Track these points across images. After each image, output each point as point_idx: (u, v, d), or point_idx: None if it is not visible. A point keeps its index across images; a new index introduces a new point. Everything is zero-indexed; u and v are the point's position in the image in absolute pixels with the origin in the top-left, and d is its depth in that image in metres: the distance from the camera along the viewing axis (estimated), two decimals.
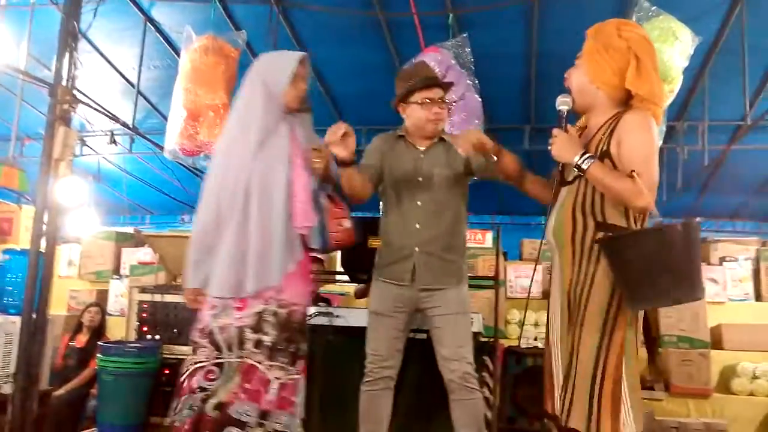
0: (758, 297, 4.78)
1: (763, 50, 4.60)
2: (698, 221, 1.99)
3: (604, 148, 1.96)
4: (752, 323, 4.50)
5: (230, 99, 3.70)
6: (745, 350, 4.40)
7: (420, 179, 2.61)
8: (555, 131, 2.01)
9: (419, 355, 2.93)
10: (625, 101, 2.02)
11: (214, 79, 3.25)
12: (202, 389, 2.22)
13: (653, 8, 3.26)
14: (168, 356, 3.64)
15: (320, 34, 5.02)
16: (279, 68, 2.37)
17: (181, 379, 2.27)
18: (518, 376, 4.19)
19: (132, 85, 5.71)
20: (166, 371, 3.59)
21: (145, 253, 5.07)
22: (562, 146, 1.97)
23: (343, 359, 3.21)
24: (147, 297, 3.81)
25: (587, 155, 1.92)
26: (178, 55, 4.01)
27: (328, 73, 5.61)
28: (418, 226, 2.59)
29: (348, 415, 3.14)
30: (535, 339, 4.67)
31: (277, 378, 2.27)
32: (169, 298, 3.77)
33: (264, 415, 2.28)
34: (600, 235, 1.93)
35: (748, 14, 4.16)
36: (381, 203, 2.76)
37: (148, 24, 5.12)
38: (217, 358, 2.24)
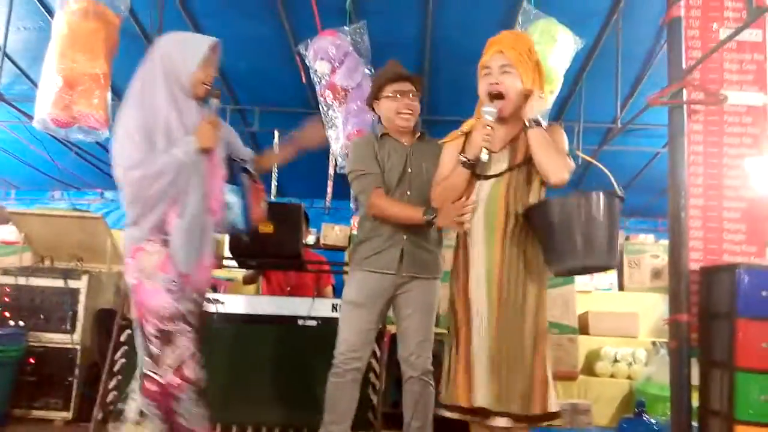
0: (621, 287, 5.20)
1: (635, 58, 4.95)
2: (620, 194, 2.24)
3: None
4: (615, 311, 4.87)
5: (111, 68, 3.45)
6: (608, 336, 4.76)
7: (410, 170, 2.69)
8: (487, 128, 2.17)
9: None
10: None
11: (94, 45, 3.01)
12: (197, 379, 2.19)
13: (535, 11, 3.55)
14: (34, 344, 3.37)
15: (211, 5, 4.78)
16: (189, 50, 2.26)
17: (156, 375, 2.13)
18: None
19: None
20: (32, 360, 3.33)
21: (9, 232, 4.66)
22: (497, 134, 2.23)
23: (222, 346, 3.13)
24: (10, 280, 3.49)
25: (534, 120, 2.18)
26: (52, 17, 3.69)
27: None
28: None
29: (227, 401, 3.07)
30: None
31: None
32: (35, 281, 3.48)
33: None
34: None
35: (624, 22, 4.46)
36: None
37: None
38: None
